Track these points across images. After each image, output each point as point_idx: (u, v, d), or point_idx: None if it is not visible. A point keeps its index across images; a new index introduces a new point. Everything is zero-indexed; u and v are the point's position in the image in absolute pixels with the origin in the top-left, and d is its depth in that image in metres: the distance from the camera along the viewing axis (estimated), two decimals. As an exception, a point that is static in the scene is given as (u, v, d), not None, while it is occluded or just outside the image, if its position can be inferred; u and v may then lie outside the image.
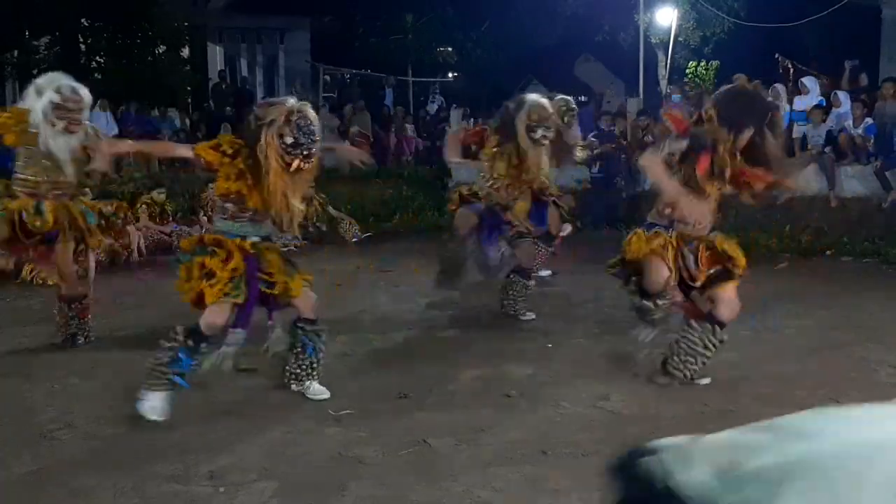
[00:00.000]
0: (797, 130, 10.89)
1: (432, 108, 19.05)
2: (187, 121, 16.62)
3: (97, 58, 18.72)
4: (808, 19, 15.62)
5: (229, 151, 4.06)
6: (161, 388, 4.03)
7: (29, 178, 5.20)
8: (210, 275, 4.03)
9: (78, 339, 5.55)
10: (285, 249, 4.58)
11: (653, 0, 17.29)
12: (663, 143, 4.41)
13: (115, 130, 15.03)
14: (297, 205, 4.17)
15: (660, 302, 4.54)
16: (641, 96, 14.48)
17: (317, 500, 3.20)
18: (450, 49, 25.44)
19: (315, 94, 20.14)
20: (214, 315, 4.07)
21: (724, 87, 4.75)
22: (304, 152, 3.99)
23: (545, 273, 7.75)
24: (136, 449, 3.70)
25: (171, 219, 10.59)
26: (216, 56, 23.07)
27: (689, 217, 4.38)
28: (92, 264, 5.75)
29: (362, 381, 4.69)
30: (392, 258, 9.37)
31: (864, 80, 11.56)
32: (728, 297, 4.42)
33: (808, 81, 11.32)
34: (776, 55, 13.15)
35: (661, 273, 4.45)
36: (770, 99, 4.39)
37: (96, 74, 18.41)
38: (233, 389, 4.58)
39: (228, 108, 17.67)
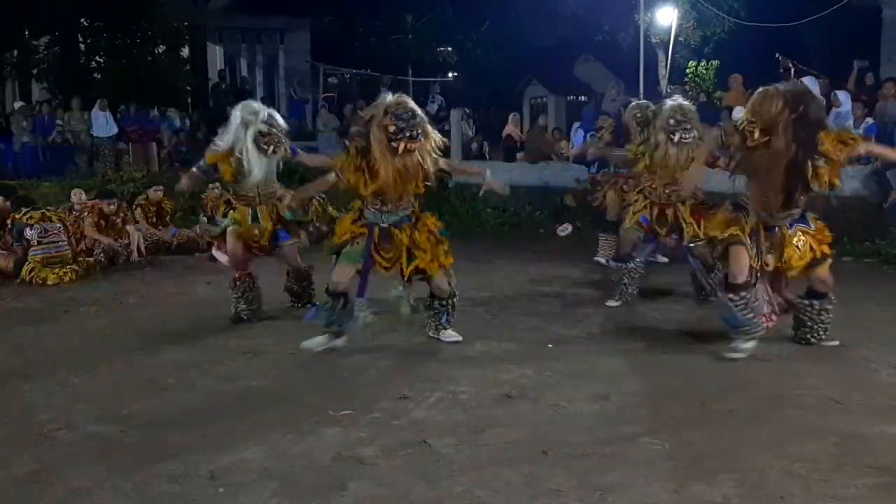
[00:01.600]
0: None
1: (432, 108, 19.03)
2: (187, 121, 16.64)
3: (97, 58, 18.73)
4: (809, 19, 15.62)
5: (359, 161, 4.95)
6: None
7: (243, 194, 6.12)
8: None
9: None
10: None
11: (653, 0, 17.29)
12: None
13: (115, 130, 15.05)
14: (412, 185, 5.04)
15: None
16: (642, 96, 14.48)
17: (317, 500, 3.20)
18: (450, 49, 25.46)
19: (315, 93, 20.16)
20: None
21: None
22: (408, 134, 4.80)
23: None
24: (136, 449, 3.70)
25: (168, 219, 10.51)
26: (216, 56, 23.10)
27: None
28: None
29: (362, 381, 4.68)
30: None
31: (870, 79, 11.55)
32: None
33: (808, 81, 11.30)
34: (777, 55, 13.16)
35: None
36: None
37: (96, 74, 18.42)
38: (233, 389, 4.58)
39: (228, 107, 17.59)
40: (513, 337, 5.65)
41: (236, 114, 5.94)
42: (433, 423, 3.99)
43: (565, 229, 11.38)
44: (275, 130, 5.89)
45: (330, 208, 11.24)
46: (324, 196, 11.49)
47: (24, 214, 8.29)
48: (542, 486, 3.28)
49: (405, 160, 4.89)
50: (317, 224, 10.87)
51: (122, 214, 9.55)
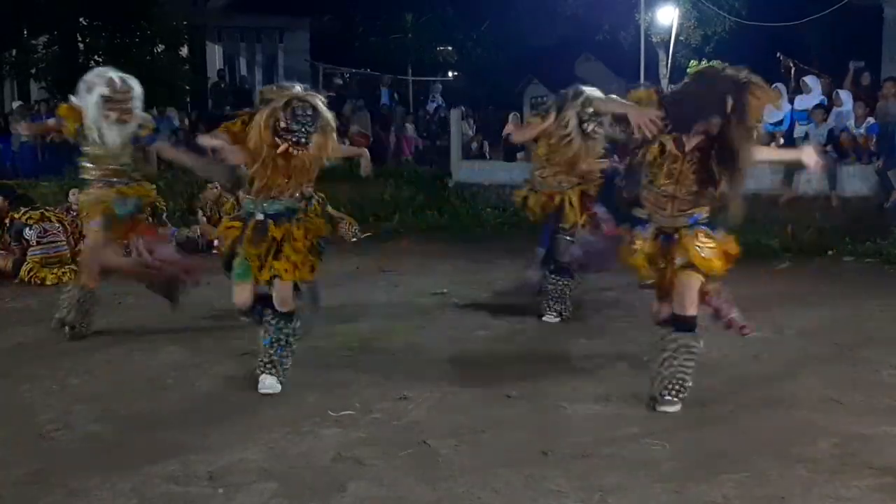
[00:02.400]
0: (798, 130, 10.88)
1: (432, 107, 19.03)
2: (186, 120, 16.61)
3: (96, 57, 18.69)
4: (810, 18, 15.61)
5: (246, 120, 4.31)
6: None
7: (91, 169, 5.54)
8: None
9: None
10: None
11: (653, -1, 17.28)
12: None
13: (115, 130, 15.03)
14: (295, 182, 4.38)
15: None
16: (642, 96, 14.42)
17: (316, 500, 3.19)
18: (450, 48, 25.43)
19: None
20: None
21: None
22: (294, 139, 4.19)
23: None
24: (135, 449, 3.69)
25: (165, 217, 10.47)
26: (215, 55, 23.07)
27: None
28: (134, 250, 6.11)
29: (362, 381, 4.67)
30: (392, 258, 9.35)
31: (866, 79, 11.53)
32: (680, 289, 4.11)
33: (809, 80, 11.30)
34: (778, 54, 13.15)
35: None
36: (737, 75, 4.03)
37: (95, 74, 18.40)
38: (233, 389, 4.57)
39: (228, 107, 17.64)
40: (513, 337, 5.64)
41: (86, 77, 5.44)
42: (433, 423, 3.99)
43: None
44: (120, 97, 5.33)
45: (329, 207, 11.28)
46: (322, 196, 11.53)
47: (23, 214, 8.29)
48: (543, 486, 3.27)
49: (286, 159, 4.28)
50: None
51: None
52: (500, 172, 13.91)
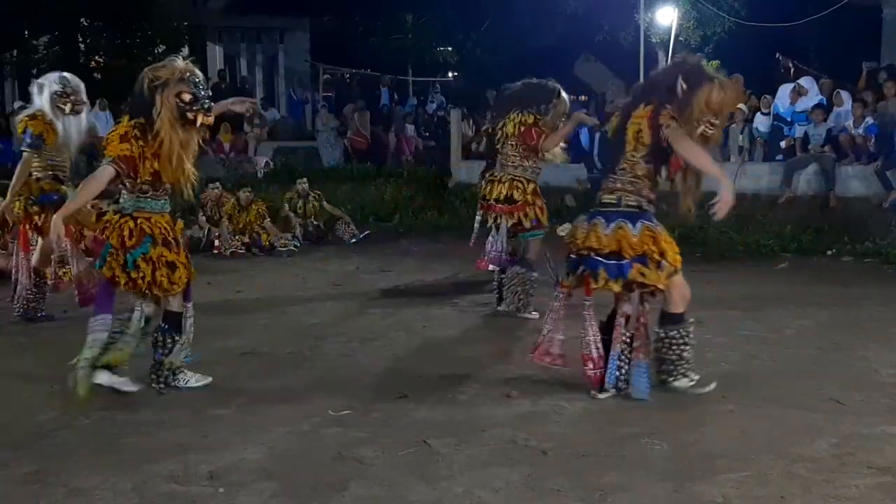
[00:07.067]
0: (798, 130, 10.90)
1: (432, 107, 19.06)
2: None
3: (97, 57, 18.75)
4: (809, 19, 15.63)
5: (138, 134, 4.16)
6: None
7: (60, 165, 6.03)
8: (172, 266, 4.42)
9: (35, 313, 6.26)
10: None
11: (653, 0, 17.29)
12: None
13: (116, 130, 15.04)
14: (191, 167, 4.29)
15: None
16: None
17: (317, 500, 3.20)
18: (450, 49, 25.45)
19: (315, 93, 20.16)
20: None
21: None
22: (205, 105, 4.18)
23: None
24: (136, 449, 3.70)
25: None
26: (216, 56, 23.08)
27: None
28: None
29: (362, 381, 4.68)
30: (392, 258, 9.36)
31: (883, 77, 11.48)
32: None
33: (804, 82, 11.33)
34: (777, 55, 13.19)
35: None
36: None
37: (96, 74, 18.44)
38: (232, 389, 4.58)
39: (228, 107, 17.60)
40: (513, 337, 5.65)
41: (35, 82, 5.92)
42: (433, 423, 3.99)
43: (565, 229, 11.37)
44: (69, 90, 5.79)
45: (326, 204, 11.28)
46: (319, 193, 11.52)
47: (24, 214, 8.27)
48: (542, 486, 3.28)
49: (190, 136, 4.21)
50: (315, 222, 10.93)
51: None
52: (501, 173, 13.90)
